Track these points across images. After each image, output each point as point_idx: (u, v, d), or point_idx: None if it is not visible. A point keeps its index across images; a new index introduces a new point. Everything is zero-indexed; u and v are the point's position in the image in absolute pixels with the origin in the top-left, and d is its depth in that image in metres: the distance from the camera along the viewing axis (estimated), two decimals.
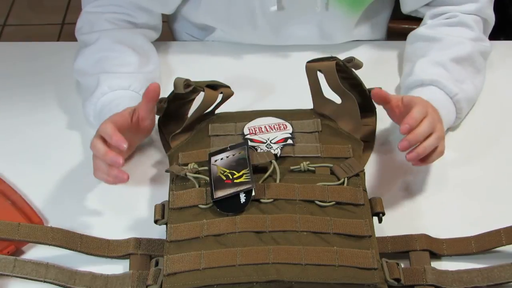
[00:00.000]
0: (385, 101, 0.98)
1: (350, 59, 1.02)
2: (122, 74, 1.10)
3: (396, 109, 1.00)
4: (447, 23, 1.15)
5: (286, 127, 1.01)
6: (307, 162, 0.94)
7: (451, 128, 1.11)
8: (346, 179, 0.92)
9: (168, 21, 1.39)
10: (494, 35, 1.21)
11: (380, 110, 1.09)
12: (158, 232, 0.93)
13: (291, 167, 0.94)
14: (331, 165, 0.95)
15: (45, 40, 1.89)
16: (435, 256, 0.92)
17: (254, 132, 1.00)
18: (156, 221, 0.91)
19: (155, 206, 0.92)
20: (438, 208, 0.99)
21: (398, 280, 0.84)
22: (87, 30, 1.16)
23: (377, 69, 1.21)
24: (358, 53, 1.23)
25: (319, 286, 0.81)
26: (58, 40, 2.55)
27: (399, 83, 1.18)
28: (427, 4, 1.19)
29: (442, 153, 0.97)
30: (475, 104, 1.15)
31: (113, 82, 1.08)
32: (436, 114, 0.97)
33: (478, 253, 0.92)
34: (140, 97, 1.07)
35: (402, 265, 0.88)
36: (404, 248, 0.91)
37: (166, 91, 1.07)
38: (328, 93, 1.04)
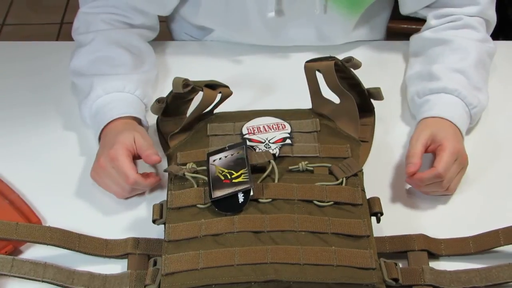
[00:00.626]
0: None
1: (349, 59, 1.02)
2: (116, 75, 1.09)
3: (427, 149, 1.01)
4: (453, 26, 1.15)
5: (285, 127, 1.01)
6: (306, 162, 0.94)
7: None
8: (344, 179, 0.92)
9: (166, 21, 1.39)
10: (493, 35, 1.21)
11: (378, 110, 1.10)
12: (157, 232, 0.93)
13: (290, 167, 0.94)
14: (330, 165, 0.95)
15: (44, 40, 1.89)
16: (433, 256, 0.92)
17: (252, 132, 1.00)
18: (154, 221, 0.91)
19: (154, 206, 0.92)
20: (436, 208, 0.99)
21: (396, 280, 0.84)
22: (83, 30, 1.16)
23: (376, 69, 1.21)
24: (357, 53, 1.23)
25: (317, 286, 0.81)
26: (57, 40, 2.55)
27: (404, 80, 1.18)
28: (427, 6, 1.18)
29: (450, 193, 1.01)
30: None
31: (108, 85, 1.07)
32: (463, 156, 0.99)
33: (476, 254, 0.92)
34: (135, 98, 1.08)
35: (400, 265, 0.88)
36: (402, 248, 0.91)
37: (164, 91, 1.07)
38: (327, 93, 1.04)
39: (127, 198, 1.01)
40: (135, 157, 1.00)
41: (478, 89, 1.08)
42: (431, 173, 0.95)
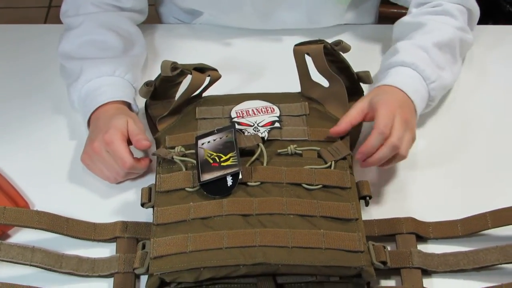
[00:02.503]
0: (353, 125, 0.96)
1: (338, 42, 1.01)
2: (106, 59, 1.08)
3: (365, 117, 0.98)
4: (432, 12, 1.14)
5: (274, 110, 1.01)
6: (294, 146, 0.94)
7: (438, 113, 1.11)
8: (333, 162, 0.92)
9: (155, 4, 1.38)
10: (483, 20, 1.20)
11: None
12: (145, 215, 0.93)
13: (278, 150, 0.94)
14: (318, 148, 0.94)
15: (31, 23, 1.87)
16: (422, 239, 0.92)
17: (241, 115, 1.00)
18: (143, 204, 0.90)
19: (142, 189, 0.92)
20: (425, 192, 0.99)
21: (384, 263, 0.84)
22: (72, 13, 1.15)
23: (366, 53, 1.21)
24: (348, 37, 1.23)
25: (305, 268, 0.81)
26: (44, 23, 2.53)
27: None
28: None
29: (403, 158, 0.95)
30: (462, 89, 1.15)
31: (98, 68, 1.07)
32: (404, 115, 0.95)
33: (464, 236, 0.92)
34: (125, 82, 1.07)
35: (389, 248, 0.88)
36: (390, 231, 0.91)
37: (153, 74, 1.07)
38: (316, 76, 1.04)
39: (117, 183, 1.01)
40: (129, 142, 1.00)
41: (441, 68, 1.06)
42: (375, 134, 0.92)
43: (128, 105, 1.06)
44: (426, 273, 0.88)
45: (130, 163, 0.96)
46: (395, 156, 0.95)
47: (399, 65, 1.04)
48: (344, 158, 0.93)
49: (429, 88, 1.03)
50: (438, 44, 1.07)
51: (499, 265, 0.87)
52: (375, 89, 1.02)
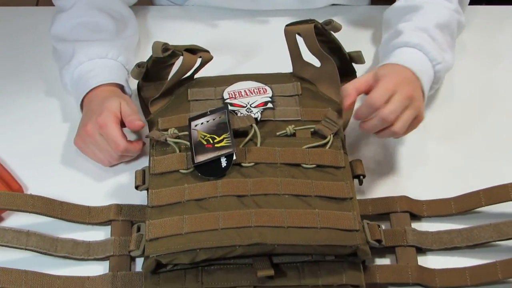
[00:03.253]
0: (359, 92, 0.93)
1: (329, 22, 1.01)
2: (98, 41, 1.08)
3: (370, 88, 0.94)
4: None
5: (266, 91, 1.01)
6: (292, 126, 0.94)
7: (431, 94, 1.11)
8: (331, 136, 0.92)
9: None
10: (476, 0, 1.20)
11: (360, 74, 1.09)
12: (140, 198, 0.93)
13: (277, 133, 0.94)
14: (314, 126, 0.94)
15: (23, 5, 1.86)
16: (415, 217, 0.92)
17: (233, 96, 1.00)
18: (137, 187, 0.90)
19: (136, 172, 0.92)
20: (418, 170, 1.00)
21: (379, 241, 0.84)
22: None
23: (360, 34, 1.21)
24: (341, 18, 1.22)
25: (301, 248, 0.81)
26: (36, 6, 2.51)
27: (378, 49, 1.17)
28: None
29: (397, 134, 0.92)
30: (454, 71, 1.15)
31: (90, 51, 1.06)
32: (409, 91, 0.91)
33: (457, 214, 0.92)
34: (117, 64, 1.07)
35: (383, 227, 0.88)
36: (384, 210, 0.92)
37: (144, 56, 1.06)
38: (308, 57, 1.04)
39: (111, 166, 1.01)
40: (122, 125, 1.00)
41: (443, 50, 1.05)
42: (364, 103, 0.90)
43: (121, 88, 1.05)
44: (421, 251, 0.88)
45: (124, 146, 0.96)
46: (387, 130, 0.91)
47: (403, 46, 1.02)
48: (337, 134, 0.93)
49: (434, 69, 1.01)
50: (438, 25, 1.06)
51: (493, 242, 0.88)
52: (382, 65, 0.99)
